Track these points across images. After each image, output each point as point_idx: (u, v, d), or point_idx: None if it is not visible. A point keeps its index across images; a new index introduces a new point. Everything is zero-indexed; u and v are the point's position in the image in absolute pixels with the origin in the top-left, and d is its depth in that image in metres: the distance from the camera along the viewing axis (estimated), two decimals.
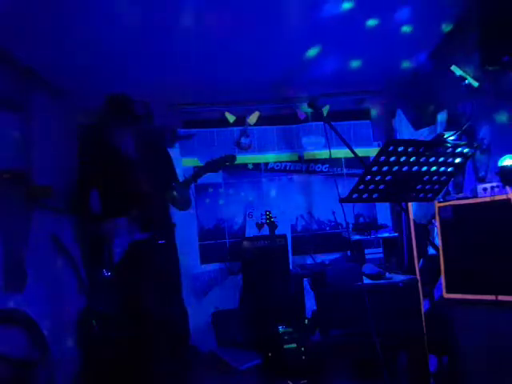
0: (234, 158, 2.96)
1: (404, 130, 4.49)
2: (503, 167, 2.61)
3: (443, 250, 2.50)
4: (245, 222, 4.69)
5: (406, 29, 3.39)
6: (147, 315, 2.65)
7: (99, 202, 2.83)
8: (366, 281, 2.99)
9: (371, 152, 4.73)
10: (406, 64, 4.10)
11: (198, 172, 2.91)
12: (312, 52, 3.71)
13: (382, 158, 2.04)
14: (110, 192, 2.79)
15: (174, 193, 2.85)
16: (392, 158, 2.05)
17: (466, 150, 2.18)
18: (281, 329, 3.38)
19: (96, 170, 2.81)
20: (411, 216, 3.25)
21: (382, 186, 2.15)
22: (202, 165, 3.00)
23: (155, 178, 2.81)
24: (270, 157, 4.88)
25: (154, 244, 2.78)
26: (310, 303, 3.77)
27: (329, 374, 2.98)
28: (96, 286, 2.84)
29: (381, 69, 4.15)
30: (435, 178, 2.23)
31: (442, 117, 3.77)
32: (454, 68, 3.25)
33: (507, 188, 2.52)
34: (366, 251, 4.18)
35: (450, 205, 2.48)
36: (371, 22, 3.29)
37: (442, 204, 2.53)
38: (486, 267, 2.27)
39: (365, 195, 2.17)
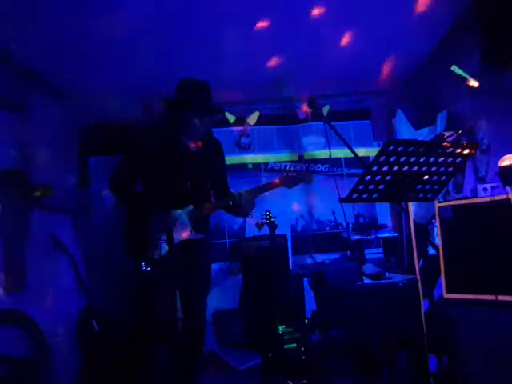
0: (310, 178, 2.79)
1: (404, 130, 4.49)
2: (503, 167, 2.61)
3: (443, 250, 2.50)
4: (245, 221, 4.69)
5: (405, 29, 3.39)
6: (175, 316, 2.56)
7: (146, 192, 2.63)
8: (366, 281, 2.99)
9: (371, 152, 4.73)
10: (405, 63, 4.10)
11: (269, 184, 2.71)
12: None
13: (382, 158, 2.05)
14: (163, 185, 2.58)
15: (233, 199, 2.61)
16: (392, 158, 2.05)
17: (465, 151, 2.18)
18: (281, 329, 3.38)
19: (152, 160, 2.57)
20: (411, 216, 3.24)
21: (381, 186, 2.15)
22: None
23: (213, 177, 2.70)
24: (270, 157, 4.88)
25: (200, 247, 2.65)
26: (310, 303, 3.77)
27: (329, 374, 2.98)
28: (131, 279, 2.64)
29: (381, 69, 4.15)
30: (435, 178, 2.23)
31: (441, 117, 3.77)
32: (453, 68, 3.25)
33: (507, 188, 2.52)
34: (366, 251, 4.18)
35: (450, 205, 2.48)
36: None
37: (442, 204, 2.53)
38: (486, 267, 2.27)
39: (365, 195, 2.17)
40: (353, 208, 4.44)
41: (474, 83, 3.16)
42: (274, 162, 4.88)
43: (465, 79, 3.21)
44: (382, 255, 4.20)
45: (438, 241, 2.57)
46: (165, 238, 2.54)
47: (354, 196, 2.15)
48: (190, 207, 2.59)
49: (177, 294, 2.60)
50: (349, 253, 4.50)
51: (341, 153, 4.72)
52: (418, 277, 3.01)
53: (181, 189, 2.60)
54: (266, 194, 2.78)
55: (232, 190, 2.74)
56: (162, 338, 2.64)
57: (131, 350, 2.70)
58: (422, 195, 2.30)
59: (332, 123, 2.46)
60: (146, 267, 2.51)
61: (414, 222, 3.37)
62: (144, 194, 2.65)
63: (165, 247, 2.55)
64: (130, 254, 2.62)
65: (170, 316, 2.55)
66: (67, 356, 3.28)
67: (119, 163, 2.69)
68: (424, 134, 4.07)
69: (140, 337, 2.63)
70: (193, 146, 2.66)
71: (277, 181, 2.68)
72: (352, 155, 2.32)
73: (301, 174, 2.76)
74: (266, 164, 4.87)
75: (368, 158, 4.62)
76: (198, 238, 2.64)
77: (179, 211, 2.58)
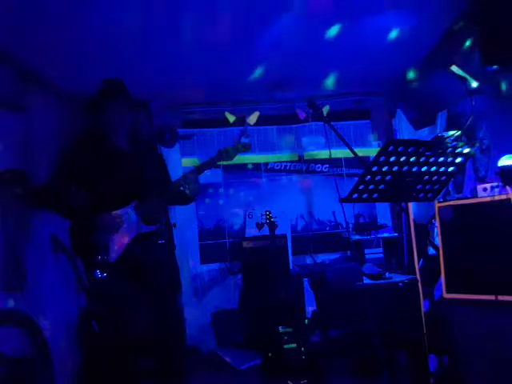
0: (247, 146, 2.78)
1: (404, 130, 4.49)
2: (503, 167, 2.61)
3: (443, 250, 2.50)
4: (245, 222, 4.69)
5: (404, 28, 3.39)
6: (142, 318, 2.53)
7: (87, 197, 2.52)
8: (366, 281, 3.00)
9: (371, 152, 4.73)
10: (405, 64, 4.09)
11: (209, 161, 2.69)
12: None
13: (382, 158, 2.05)
14: (102, 186, 2.55)
15: (179, 184, 2.63)
16: (392, 158, 2.05)
17: (465, 150, 2.19)
18: (281, 329, 3.38)
19: (85, 163, 2.56)
20: (411, 216, 3.25)
21: (381, 186, 2.16)
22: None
23: (149, 173, 2.69)
24: (270, 157, 4.88)
25: (155, 241, 2.62)
26: (310, 303, 3.78)
27: (329, 374, 2.99)
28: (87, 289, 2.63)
29: (381, 69, 4.15)
30: (435, 177, 2.24)
31: (441, 117, 3.77)
32: (453, 68, 3.25)
33: (507, 188, 2.52)
34: (366, 251, 4.18)
35: (450, 205, 2.48)
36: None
37: (442, 204, 2.54)
38: (485, 267, 2.27)
39: (365, 195, 2.17)
40: (353, 208, 4.44)
41: (473, 83, 3.16)
42: (274, 162, 4.88)
43: (465, 79, 3.21)
44: (381, 255, 4.20)
45: (438, 241, 2.57)
46: (113, 239, 2.48)
47: (354, 196, 2.15)
48: (134, 203, 2.56)
49: (142, 297, 2.54)
50: (349, 253, 4.50)
51: (341, 153, 4.71)
52: (418, 277, 3.02)
53: (120, 188, 2.56)
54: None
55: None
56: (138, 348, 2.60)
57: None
58: (421, 195, 2.31)
59: (332, 123, 2.47)
60: (102, 274, 2.42)
61: (414, 221, 3.38)
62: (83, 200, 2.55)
63: (116, 250, 2.47)
64: (81, 260, 2.59)
65: (141, 322, 2.52)
66: (67, 356, 3.28)
67: (52, 175, 2.66)
68: (424, 134, 4.07)
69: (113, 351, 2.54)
70: (125, 146, 2.68)
71: (218, 155, 2.69)
72: (352, 155, 2.33)
73: (237, 144, 2.76)
74: (266, 164, 4.87)
75: (368, 157, 4.62)
76: (150, 231, 2.60)
77: (123, 210, 2.54)
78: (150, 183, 2.64)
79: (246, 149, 2.76)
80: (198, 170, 2.67)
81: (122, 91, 2.70)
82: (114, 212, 2.52)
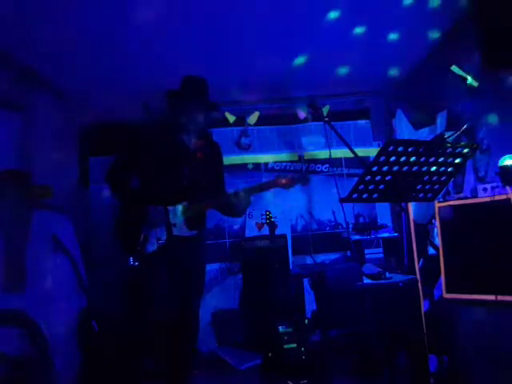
0: (307, 179, 2.86)
1: (404, 130, 4.49)
2: (503, 167, 2.61)
3: (443, 250, 2.50)
4: (245, 222, 4.69)
5: (404, 28, 3.39)
6: (162, 314, 2.54)
7: (141, 188, 2.63)
8: (366, 281, 3.00)
9: (371, 152, 4.73)
10: (405, 63, 4.10)
11: (265, 184, 2.70)
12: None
13: (382, 158, 2.05)
14: (159, 181, 2.58)
15: (228, 197, 2.58)
16: (392, 158, 2.05)
17: (465, 150, 2.18)
18: (281, 329, 3.38)
19: (148, 152, 2.58)
20: (411, 216, 3.25)
21: (381, 186, 2.15)
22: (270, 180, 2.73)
23: (210, 175, 2.69)
24: (270, 157, 4.88)
25: (193, 244, 2.63)
26: (310, 303, 3.78)
27: (329, 374, 2.99)
28: (118, 275, 2.66)
29: (381, 69, 4.15)
30: (435, 178, 2.24)
31: (441, 117, 3.77)
32: (453, 68, 3.25)
33: (507, 188, 2.52)
34: (366, 251, 4.18)
35: (450, 205, 2.48)
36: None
37: (442, 204, 2.54)
38: (486, 267, 2.27)
39: (365, 195, 2.17)
40: (353, 208, 4.44)
41: (473, 83, 3.16)
42: (274, 162, 4.88)
43: (465, 79, 3.21)
44: (381, 255, 4.19)
45: (438, 241, 2.57)
46: (153, 234, 2.53)
47: (354, 196, 2.15)
48: (184, 204, 2.58)
49: (167, 293, 2.56)
50: (349, 253, 4.50)
51: (341, 153, 4.72)
52: (418, 277, 3.02)
53: (176, 186, 2.59)
54: (266, 193, 2.75)
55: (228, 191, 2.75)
56: (151, 339, 2.63)
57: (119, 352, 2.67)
58: (421, 195, 2.31)
59: (332, 123, 2.46)
60: (134, 262, 2.49)
61: (414, 221, 3.38)
62: (138, 189, 2.65)
63: (154, 243, 2.53)
64: (119, 248, 2.61)
65: (159, 315, 2.54)
66: (67, 356, 3.27)
67: (116, 157, 2.71)
68: (424, 134, 4.07)
69: (128, 338, 2.61)
70: (192, 144, 2.68)
71: (274, 182, 2.67)
72: (352, 155, 2.32)
73: (298, 175, 2.76)
74: (266, 164, 4.87)
75: (368, 157, 4.62)
76: (190, 236, 2.62)
77: (171, 208, 2.56)
78: (207, 187, 2.65)
79: (305, 182, 2.79)
80: (250, 190, 2.62)
81: (204, 92, 2.68)
82: (161, 208, 2.54)
